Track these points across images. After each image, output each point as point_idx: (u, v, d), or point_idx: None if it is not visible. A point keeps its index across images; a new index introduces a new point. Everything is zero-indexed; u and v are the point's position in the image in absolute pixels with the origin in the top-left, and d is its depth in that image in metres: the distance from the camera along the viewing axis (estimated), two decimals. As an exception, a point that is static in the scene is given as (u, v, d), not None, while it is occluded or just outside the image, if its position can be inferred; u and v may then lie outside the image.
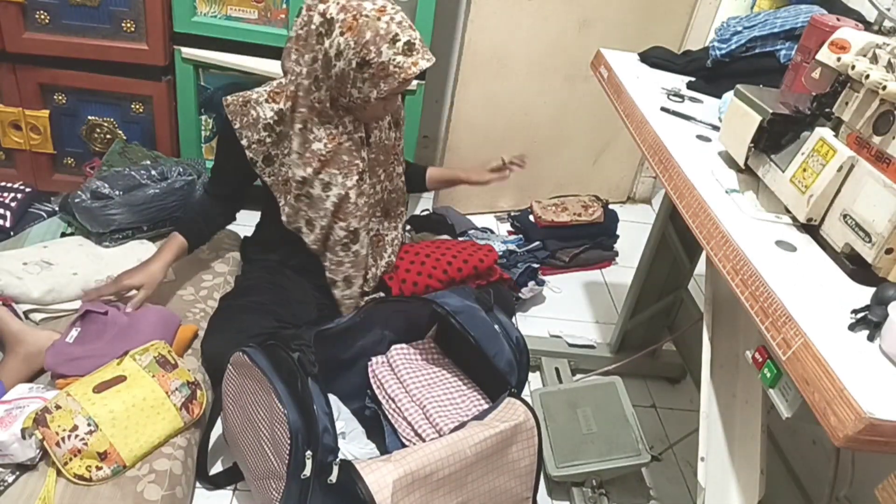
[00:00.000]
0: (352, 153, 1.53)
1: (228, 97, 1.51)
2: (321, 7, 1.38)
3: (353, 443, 1.42)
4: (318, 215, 1.56)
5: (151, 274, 1.53)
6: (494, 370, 1.43)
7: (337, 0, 1.38)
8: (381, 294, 1.70)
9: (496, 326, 1.46)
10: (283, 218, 1.59)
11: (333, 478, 1.20)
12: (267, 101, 1.48)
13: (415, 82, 2.14)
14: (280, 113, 1.49)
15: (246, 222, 2.35)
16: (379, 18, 1.36)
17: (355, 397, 1.55)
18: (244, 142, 1.51)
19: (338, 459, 1.22)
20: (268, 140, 1.51)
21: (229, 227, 2.15)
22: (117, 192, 1.78)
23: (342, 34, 1.36)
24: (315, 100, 1.46)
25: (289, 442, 1.22)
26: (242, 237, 1.91)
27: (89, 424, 1.26)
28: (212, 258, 1.86)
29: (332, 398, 1.45)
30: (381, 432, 1.49)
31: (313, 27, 1.39)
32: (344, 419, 1.46)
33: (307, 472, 1.20)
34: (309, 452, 1.21)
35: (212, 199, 1.66)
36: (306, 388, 1.25)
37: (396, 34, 1.36)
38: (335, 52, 1.38)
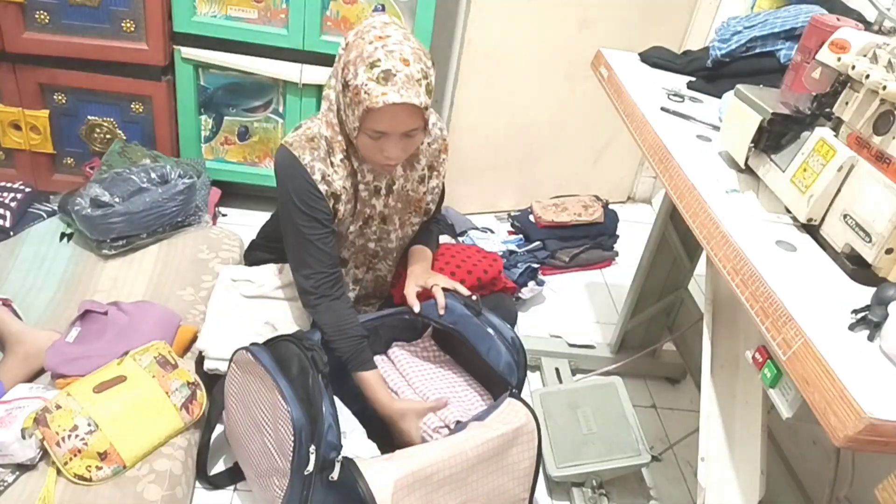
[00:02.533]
0: (364, 202, 1.48)
1: (286, 139, 1.42)
2: (352, 30, 1.35)
3: (353, 443, 1.42)
4: None
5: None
6: (494, 372, 1.43)
7: (371, 23, 1.33)
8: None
9: (489, 329, 1.46)
10: None
11: (335, 475, 1.20)
12: (325, 127, 1.41)
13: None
14: (328, 141, 1.41)
15: (243, 221, 2.35)
16: (372, 42, 1.28)
17: (356, 399, 1.55)
18: (317, 175, 1.38)
19: (340, 457, 1.22)
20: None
21: (229, 227, 2.15)
22: (117, 199, 1.78)
23: (341, 56, 1.34)
24: (335, 126, 1.41)
25: (292, 439, 1.22)
26: (250, 241, 1.85)
27: (89, 424, 1.26)
28: (211, 258, 1.86)
29: (334, 398, 1.45)
30: (382, 432, 1.49)
31: (340, 49, 1.36)
32: (344, 420, 1.46)
33: (310, 468, 1.21)
34: (312, 448, 1.21)
35: (306, 293, 1.44)
36: (317, 384, 1.25)
37: (378, 60, 1.25)
38: (334, 72, 1.36)
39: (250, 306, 1.60)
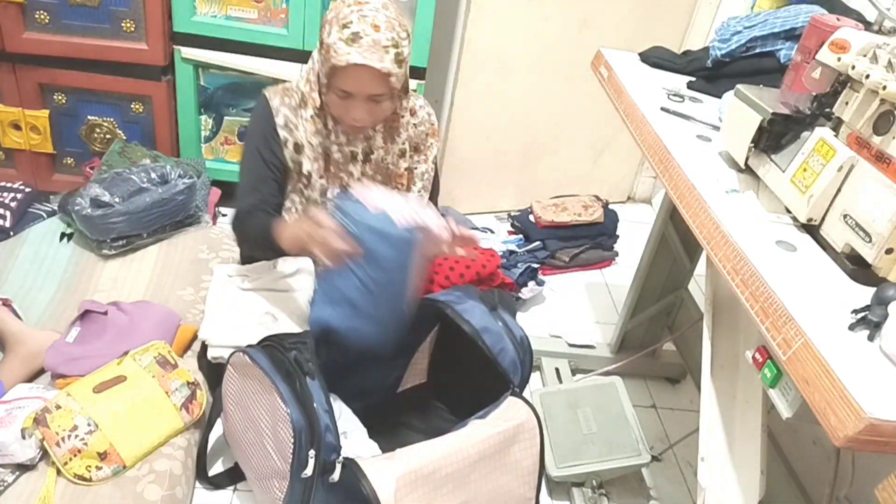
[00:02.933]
0: (339, 166, 1.53)
1: (267, 88, 1.53)
2: None
3: (354, 442, 1.42)
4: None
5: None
6: (496, 369, 1.43)
7: None
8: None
9: (500, 324, 1.47)
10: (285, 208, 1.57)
11: (336, 476, 1.20)
12: (304, 82, 1.50)
13: (414, 82, 2.14)
14: (303, 95, 1.50)
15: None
16: (350, 5, 1.36)
17: (357, 398, 1.55)
18: (279, 119, 1.49)
19: (341, 458, 1.22)
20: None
21: (229, 227, 2.13)
22: (117, 199, 1.78)
23: (328, 12, 1.41)
24: (315, 82, 1.46)
25: (292, 441, 1.22)
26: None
27: (89, 424, 1.26)
28: (211, 258, 1.86)
29: (334, 398, 1.45)
30: (383, 432, 1.49)
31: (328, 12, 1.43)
32: (345, 419, 1.46)
33: (309, 471, 1.20)
34: (312, 451, 1.21)
35: (253, 214, 1.50)
36: (305, 387, 1.25)
37: (350, 22, 1.34)
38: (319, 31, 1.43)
39: (249, 299, 1.59)
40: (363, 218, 1.23)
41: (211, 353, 1.51)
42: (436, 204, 1.71)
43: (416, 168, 1.63)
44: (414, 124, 1.59)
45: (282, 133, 1.49)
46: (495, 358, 1.43)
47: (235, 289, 1.61)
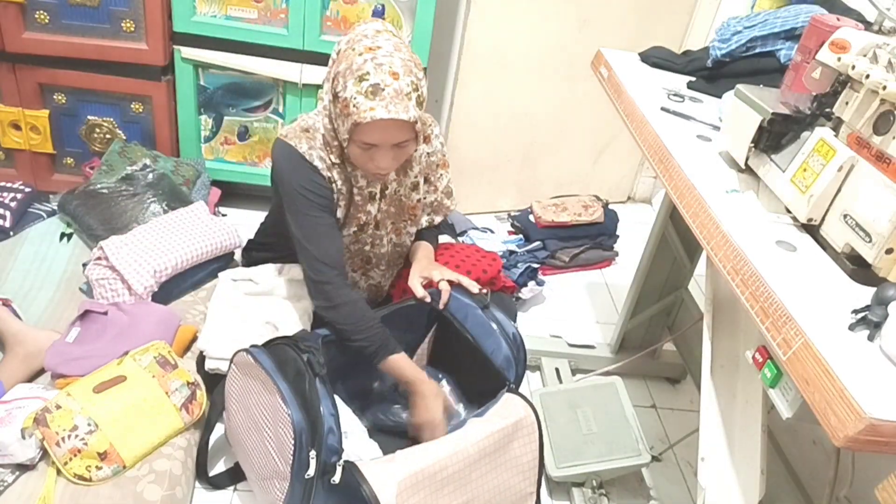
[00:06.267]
0: (358, 207, 1.49)
1: (280, 132, 1.42)
2: (345, 36, 1.35)
3: (354, 442, 1.42)
4: None
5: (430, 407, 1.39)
6: (492, 367, 1.43)
7: (363, 31, 1.32)
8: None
9: (492, 324, 1.47)
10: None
11: (337, 478, 1.20)
12: (327, 120, 1.39)
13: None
14: (324, 136, 1.42)
15: (243, 222, 2.35)
16: (362, 53, 1.26)
17: (357, 398, 1.55)
18: (317, 162, 1.38)
19: (341, 460, 1.22)
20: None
21: (230, 224, 2.13)
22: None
23: (333, 63, 1.33)
24: (330, 132, 1.39)
25: (293, 442, 1.22)
26: (246, 241, 1.85)
27: (89, 424, 1.26)
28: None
29: (335, 399, 1.45)
30: (382, 432, 1.49)
31: (333, 54, 1.36)
32: (345, 419, 1.46)
33: (311, 472, 1.20)
34: (313, 453, 1.21)
35: (324, 284, 1.40)
36: (314, 388, 1.25)
37: (367, 73, 1.24)
38: (326, 77, 1.36)
39: (251, 306, 1.60)
40: None
41: (208, 365, 1.52)
42: (445, 219, 1.70)
43: (424, 198, 1.61)
44: (427, 153, 1.55)
45: (326, 174, 1.40)
46: (488, 356, 1.43)
47: (240, 295, 1.61)
